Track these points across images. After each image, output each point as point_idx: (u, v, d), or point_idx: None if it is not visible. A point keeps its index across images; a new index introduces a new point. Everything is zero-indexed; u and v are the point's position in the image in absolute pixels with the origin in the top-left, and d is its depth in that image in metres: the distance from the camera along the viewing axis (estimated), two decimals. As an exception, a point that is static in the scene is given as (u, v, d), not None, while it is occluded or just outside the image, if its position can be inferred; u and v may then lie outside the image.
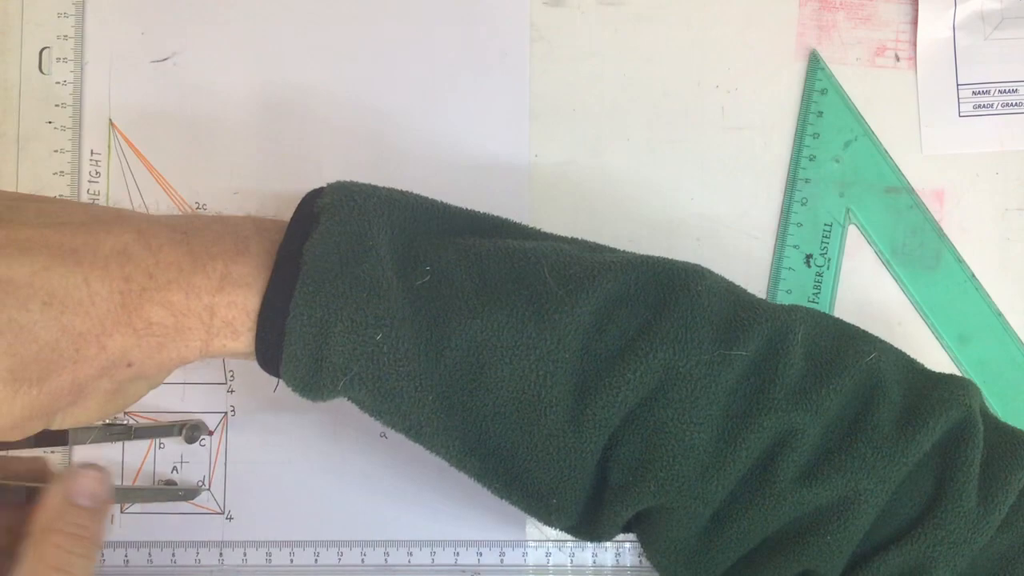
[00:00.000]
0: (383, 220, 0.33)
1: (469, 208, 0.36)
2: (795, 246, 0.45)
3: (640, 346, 0.31)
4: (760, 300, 0.34)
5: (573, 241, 0.37)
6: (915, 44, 0.46)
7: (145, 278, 0.30)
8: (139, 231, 0.31)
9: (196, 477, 0.44)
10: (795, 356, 0.32)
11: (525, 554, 0.44)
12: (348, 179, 0.34)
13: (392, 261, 0.32)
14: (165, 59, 0.46)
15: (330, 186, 0.34)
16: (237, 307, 0.31)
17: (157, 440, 0.44)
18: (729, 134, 0.46)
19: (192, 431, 0.44)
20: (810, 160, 0.45)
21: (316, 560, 0.44)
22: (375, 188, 0.34)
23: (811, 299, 0.45)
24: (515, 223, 0.36)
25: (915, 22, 0.46)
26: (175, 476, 0.44)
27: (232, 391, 0.45)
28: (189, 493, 0.44)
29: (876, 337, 0.35)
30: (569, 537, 0.44)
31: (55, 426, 0.31)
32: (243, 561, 0.44)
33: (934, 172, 0.45)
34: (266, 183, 0.45)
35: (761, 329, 0.32)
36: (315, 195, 0.33)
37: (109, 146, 0.45)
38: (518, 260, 0.33)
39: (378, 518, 0.44)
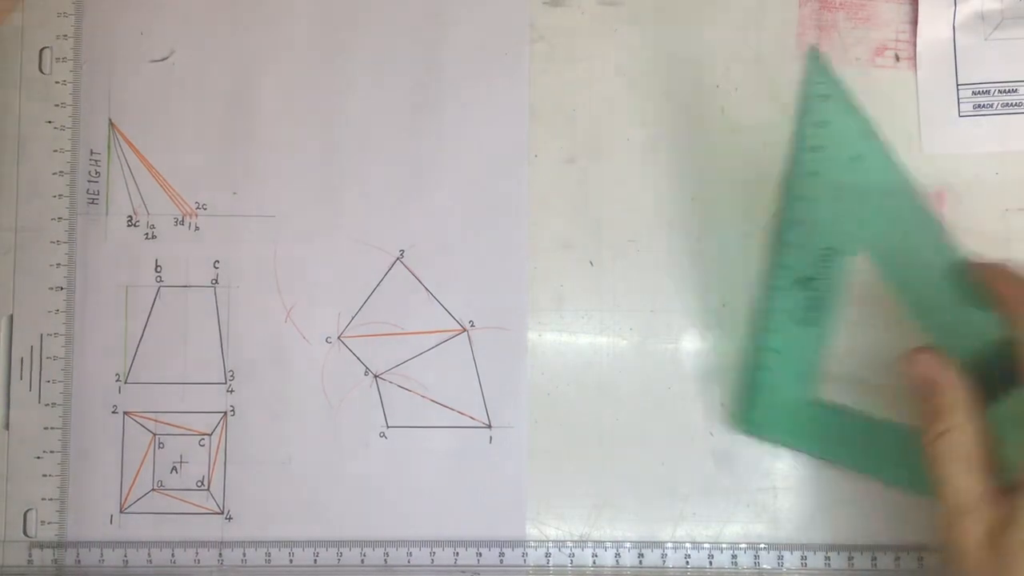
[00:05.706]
0: None
1: None
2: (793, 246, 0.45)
3: None
4: None
5: None
6: (915, 44, 0.46)
7: None
8: None
9: (196, 477, 0.44)
10: None
11: (525, 554, 0.44)
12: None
13: None
14: (164, 59, 0.46)
15: None
16: None
17: (157, 439, 0.44)
18: (729, 134, 0.46)
19: None
20: (809, 158, 0.45)
21: (315, 560, 0.44)
22: None
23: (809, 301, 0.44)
24: None
25: (915, 22, 0.46)
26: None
27: (232, 391, 0.45)
28: None
29: None
30: (568, 538, 0.44)
31: None
32: (242, 561, 0.44)
33: (934, 172, 0.45)
34: (266, 183, 0.45)
35: None
36: None
37: (109, 146, 0.45)
38: None
39: (378, 518, 0.44)
